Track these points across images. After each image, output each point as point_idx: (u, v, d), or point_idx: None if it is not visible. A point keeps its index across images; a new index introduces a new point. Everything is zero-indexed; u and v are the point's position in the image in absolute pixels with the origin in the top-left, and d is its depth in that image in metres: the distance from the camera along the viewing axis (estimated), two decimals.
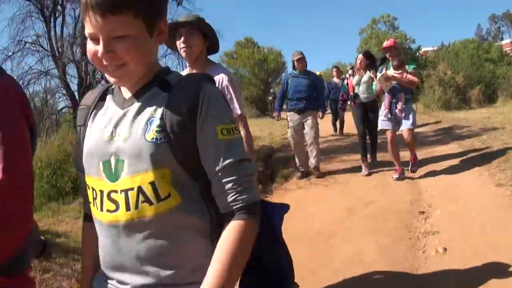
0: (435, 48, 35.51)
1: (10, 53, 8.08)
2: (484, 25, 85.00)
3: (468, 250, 3.58)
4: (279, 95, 7.65)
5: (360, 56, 7.14)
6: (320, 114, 7.06)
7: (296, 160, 7.12)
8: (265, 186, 6.68)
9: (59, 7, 8.29)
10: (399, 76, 5.98)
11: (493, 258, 3.37)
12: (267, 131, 13.11)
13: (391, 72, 6.06)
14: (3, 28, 8.22)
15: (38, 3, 8.11)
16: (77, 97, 8.36)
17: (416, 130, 12.17)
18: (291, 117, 7.01)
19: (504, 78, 20.40)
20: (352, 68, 8.63)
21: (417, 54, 28.30)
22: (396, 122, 6.19)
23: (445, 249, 3.66)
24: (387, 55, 6.38)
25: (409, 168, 6.43)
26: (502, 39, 64.51)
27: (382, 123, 6.29)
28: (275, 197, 5.86)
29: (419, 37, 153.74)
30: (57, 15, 8.37)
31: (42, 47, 8.34)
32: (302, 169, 7.03)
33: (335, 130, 12.66)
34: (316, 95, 7.04)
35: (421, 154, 8.15)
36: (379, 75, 6.23)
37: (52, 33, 8.28)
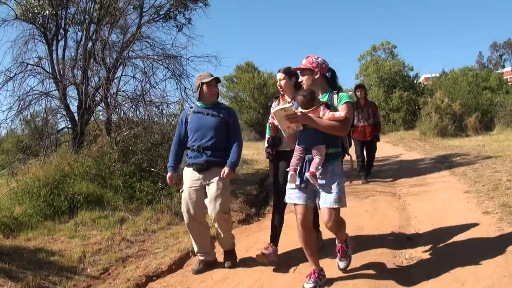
0: (437, 75, 36.03)
1: (12, 74, 8.24)
2: (486, 53, 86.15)
3: (449, 276, 3.65)
4: (173, 143, 4.59)
5: (280, 74, 4.37)
6: (225, 170, 4.20)
7: (193, 244, 4.49)
8: (259, 209, 6.76)
9: (61, 30, 8.51)
10: (314, 116, 3.49)
11: (473, 285, 3.44)
12: (264, 154, 13.21)
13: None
14: (6, 49, 8.37)
15: (41, 26, 8.34)
16: (76, 118, 8.51)
17: (411, 157, 12.41)
18: (187, 176, 4.37)
19: (502, 106, 20.64)
20: (276, 97, 4.82)
21: (415, 81, 28.66)
22: (312, 191, 3.64)
23: (427, 275, 3.74)
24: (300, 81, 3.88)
25: (337, 261, 4.06)
26: (503, 67, 65.40)
27: (289, 193, 3.72)
28: (268, 220, 5.91)
29: (421, 64, 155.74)
30: (59, 38, 8.59)
31: (44, 69, 8.52)
32: (202, 258, 4.45)
33: (362, 173, 8.75)
34: (229, 142, 4.39)
35: (414, 180, 8.31)
36: (277, 107, 3.53)
37: (54, 55, 8.49)
